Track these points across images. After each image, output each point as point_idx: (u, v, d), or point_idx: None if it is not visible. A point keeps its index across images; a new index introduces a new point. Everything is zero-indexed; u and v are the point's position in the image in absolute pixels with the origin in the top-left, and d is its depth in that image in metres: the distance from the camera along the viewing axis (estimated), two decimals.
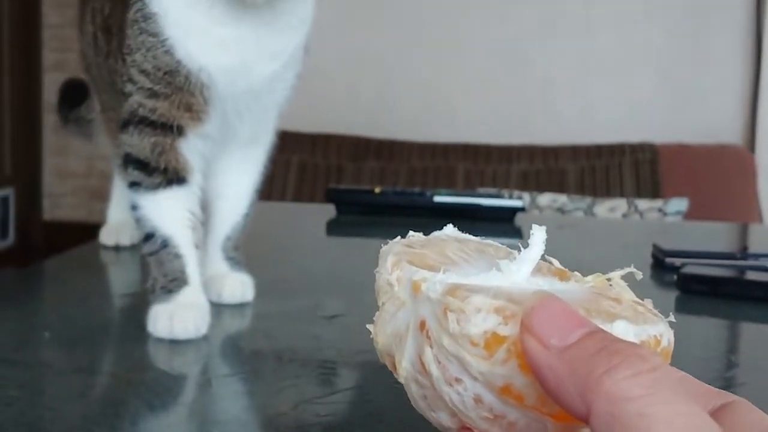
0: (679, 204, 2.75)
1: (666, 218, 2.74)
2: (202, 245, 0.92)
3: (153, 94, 0.88)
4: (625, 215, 2.76)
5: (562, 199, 2.86)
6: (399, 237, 0.45)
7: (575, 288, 0.42)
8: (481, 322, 0.36)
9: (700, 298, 1.02)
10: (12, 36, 4.33)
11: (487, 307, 0.36)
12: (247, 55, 0.87)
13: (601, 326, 0.36)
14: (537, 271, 0.43)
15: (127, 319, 0.90)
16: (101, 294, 1.01)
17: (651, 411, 0.30)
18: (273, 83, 0.92)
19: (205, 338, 0.82)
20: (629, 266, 0.43)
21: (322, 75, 3.11)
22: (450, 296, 0.37)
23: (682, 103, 3.17)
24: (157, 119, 0.88)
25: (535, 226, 0.42)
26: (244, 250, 0.99)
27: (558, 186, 3.02)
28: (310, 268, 1.14)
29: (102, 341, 0.82)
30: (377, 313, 0.42)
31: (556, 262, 0.46)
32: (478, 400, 0.36)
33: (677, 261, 1.14)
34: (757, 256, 1.20)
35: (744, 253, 1.22)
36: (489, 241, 0.47)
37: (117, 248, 1.19)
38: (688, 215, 2.75)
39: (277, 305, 0.94)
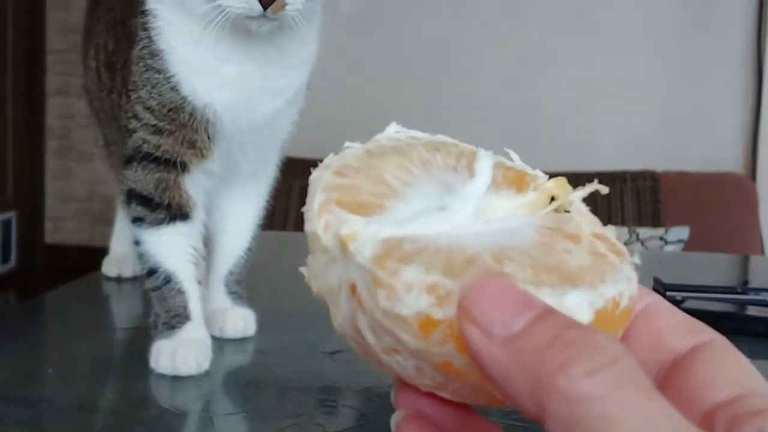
0: (680, 232, 2.76)
1: (667, 246, 2.74)
2: (204, 280, 0.92)
3: (157, 131, 0.88)
4: (626, 243, 2.76)
5: None
6: (332, 155, 0.40)
7: (526, 224, 0.37)
8: (413, 302, 0.32)
9: None
10: (16, 60, 4.35)
11: (418, 285, 0.32)
12: (252, 93, 0.88)
13: (551, 299, 0.32)
14: (492, 181, 0.39)
15: (130, 354, 0.90)
16: (104, 328, 1.01)
17: (614, 412, 0.27)
18: (276, 120, 0.92)
19: (206, 374, 0.82)
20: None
21: (323, 100, 3.12)
22: (379, 267, 0.33)
23: (683, 131, 3.18)
24: (161, 155, 0.88)
25: (481, 152, 0.39)
26: (246, 282, 0.99)
27: None
28: (312, 300, 1.14)
29: (104, 377, 0.82)
30: (309, 257, 0.37)
31: (516, 157, 0.42)
32: (418, 369, 0.33)
33: (678, 295, 1.15)
34: (758, 291, 1.20)
35: (744, 287, 1.22)
36: (439, 137, 0.42)
37: (119, 279, 1.19)
38: (690, 243, 2.75)
39: (279, 340, 0.94)
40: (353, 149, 0.40)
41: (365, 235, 0.34)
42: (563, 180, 0.40)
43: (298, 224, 3.21)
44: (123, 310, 1.14)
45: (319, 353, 0.88)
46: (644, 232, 2.79)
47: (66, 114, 4.50)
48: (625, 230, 2.80)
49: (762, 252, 2.84)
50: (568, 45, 3.27)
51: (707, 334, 0.35)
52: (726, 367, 0.33)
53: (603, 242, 0.37)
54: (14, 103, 4.36)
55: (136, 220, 0.90)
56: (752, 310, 1.07)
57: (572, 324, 0.30)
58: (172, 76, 0.87)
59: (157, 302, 0.87)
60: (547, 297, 0.32)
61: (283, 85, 0.90)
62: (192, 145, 0.88)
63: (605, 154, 3.17)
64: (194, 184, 0.90)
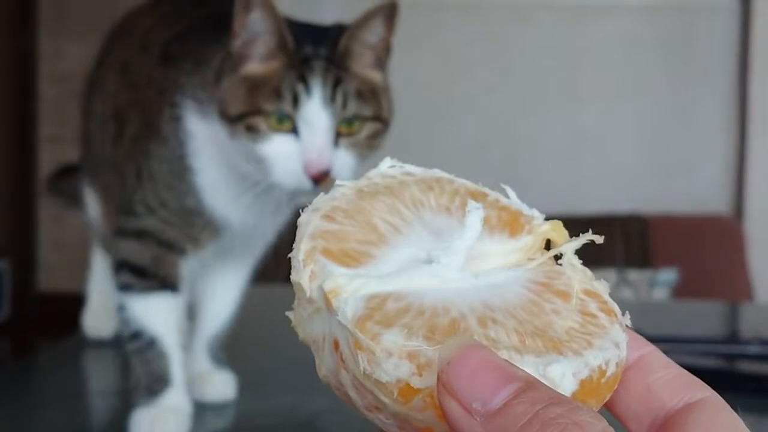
0: (668, 274, 2.76)
1: (656, 289, 2.75)
2: (187, 344, 0.93)
3: (167, 223, 0.91)
4: (615, 286, 2.77)
5: None
6: (322, 194, 0.39)
7: (515, 279, 0.37)
8: (393, 369, 0.32)
9: None
10: (7, 107, 4.37)
11: (399, 351, 0.32)
12: (267, 212, 0.92)
13: (535, 368, 0.31)
14: (485, 221, 0.37)
15: (110, 423, 0.91)
16: (84, 394, 1.02)
17: None
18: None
19: None
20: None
21: None
22: (359, 330, 0.33)
23: (671, 174, 3.19)
24: (164, 239, 0.91)
25: (471, 203, 0.37)
26: (229, 339, 1.00)
27: None
28: (294, 359, 1.14)
29: None
30: (295, 303, 0.37)
31: (512, 194, 0.41)
32: (402, 428, 0.33)
33: (661, 347, 1.15)
34: (743, 343, 1.20)
35: (729, 338, 1.22)
36: (434, 172, 0.41)
37: (100, 342, 1.18)
38: (679, 285, 2.76)
39: (260, 403, 0.94)
40: (344, 188, 0.39)
41: (349, 290, 0.34)
42: (559, 223, 0.39)
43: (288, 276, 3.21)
44: (103, 376, 1.14)
45: (301, 416, 0.89)
46: (633, 274, 2.80)
47: (58, 161, 4.51)
48: (613, 273, 2.81)
49: (751, 294, 2.85)
50: (555, 89, 3.30)
51: (701, 391, 0.35)
52: (715, 429, 0.33)
53: (594, 300, 0.36)
54: (7, 150, 4.38)
55: (125, 288, 0.90)
56: (738, 365, 1.07)
57: (554, 399, 0.29)
58: (197, 191, 0.90)
59: (140, 365, 0.88)
60: (531, 366, 0.31)
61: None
62: (195, 240, 0.92)
63: (593, 197, 3.18)
64: (187, 263, 0.92)
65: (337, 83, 0.86)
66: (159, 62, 0.97)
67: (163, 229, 0.90)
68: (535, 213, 0.41)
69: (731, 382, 1.02)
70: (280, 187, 0.85)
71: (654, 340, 1.14)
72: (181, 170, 0.90)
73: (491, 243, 0.38)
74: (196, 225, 0.91)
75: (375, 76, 0.91)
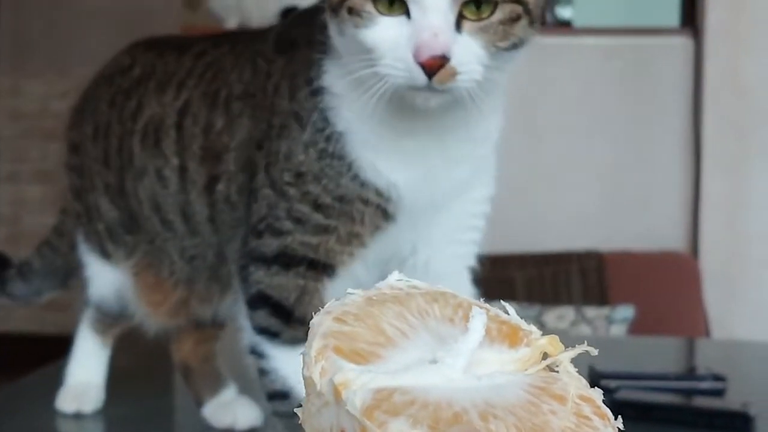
0: (625, 311, 2.79)
1: (613, 326, 2.77)
2: None
3: (321, 230, 0.82)
4: (573, 323, 2.79)
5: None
6: (334, 300, 0.41)
7: (515, 382, 0.39)
8: None
9: (634, 424, 1.03)
10: None
11: None
12: (432, 166, 0.83)
13: None
14: (486, 333, 0.40)
15: None
16: None
17: None
18: (458, 196, 0.87)
19: None
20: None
21: None
22: (367, 419, 0.34)
23: (627, 211, 3.23)
24: (313, 257, 0.81)
25: (474, 311, 0.40)
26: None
27: (507, 294, 3.05)
28: None
29: None
30: (304, 399, 0.39)
31: (512, 311, 0.43)
32: None
33: (612, 383, 1.16)
34: (698, 379, 1.22)
35: (685, 374, 1.23)
36: (439, 287, 0.43)
37: (78, 416, 1.08)
38: (636, 322, 2.78)
39: None
40: (355, 296, 0.42)
41: (358, 384, 0.36)
42: (556, 338, 0.41)
43: None
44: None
45: None
46: (590, 311, 2.82)
47: (16, 200, 4.47)
48: (571, 310, 2.83)
49: (707, 331, 2.88)
50: (513, 126, 3.33)
51: None
52: None
53: (588, 405, 0.38)
54: None
55: (265, 332, 0.82)
56: (693, 400, 1.08)
57: None
58: (353, 162, 0.81)
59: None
60: None
61: (463, 154, 0.85)
62: (350, 241, 0.82)
63: (550, 234, 3.21)
64: (335, 291, 0.83)
65: None
66: (276, 52, 0.90)
67: (314, 243, 0.80)
68: (533, 328, 0.42)
69: (673, 416, 1.03)
70: (391, 82, 0.73)
71: (603, 376, 1.16)
72: (329, 140, 0.80)
73: (492, 352, 0.40)
74: (357, 213, 0.81)
75: None
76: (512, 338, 0.41)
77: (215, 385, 1.06)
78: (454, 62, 0.72)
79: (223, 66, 0.95)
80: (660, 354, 1.63)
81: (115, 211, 1.02)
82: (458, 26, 0.73)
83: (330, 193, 0.81)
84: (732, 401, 1.12)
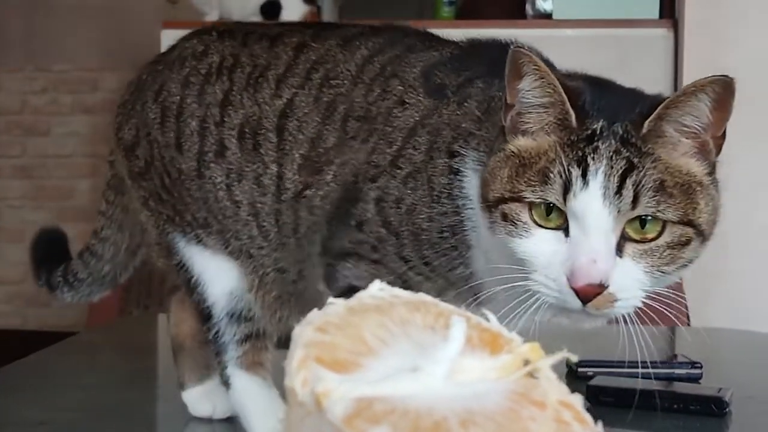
0: None
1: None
2: None
3: (424, 277, 0.81)
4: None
5: None
6: (315, 310, 0.41)
7: (495, 389, 0.39)
8: None
9: (611, 410, 1.04)
10: None
11: None
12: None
13: None
14: (468, 341, 0.40)
15: None
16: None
17: None
18: None
19: None
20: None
21: None
22: (348, 427, 0.35)
23: None
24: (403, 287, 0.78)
25: (454, 319, 0.41)
26: None
27: None
28: None
29: None
30: (286, 409, 0.40)
31: (493, 319, 0.43)
32: None
33: (589, 371, 1.17)
34: (670, 365, 1.23)
35: (657, 361, 1.25)
36: (420, 296, 0.44)
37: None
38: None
39: None
40: (336, 305, 0.42)
41: (339, 393, 0.36)
42: (537, 345, 0.42)
43: None
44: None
45: None
46: None
47: None
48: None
49: (687, 320, 2.89)
50: None
51: None
52: None
53: (568, 410, 0.39)
54: None
55: None
56: (658, 385, 1.09)
57: None
58: (472, 274, 0.77)
59: None
60: None
61: None
62: (443, 291, 0.80)
63: None
64: None
65: (628, 171, 0.69)
66: (421, 87, 0.85)
67: (417, 282, 0.78)
68: (514, 335, 0.43)
69: (648, 401, 1.04)
70: (541, 300, 0.70)
71: (580, 364, 1.16)
72: (453, 236, 0.76)
73: (473, 359, 0.40)
74: (461, 282, 0.78)
75: (693, 167, 0.74)
76: (493, 345, 0.42)
77: (202, 371, 1.05)
78: (613, 289, 0.69)
79: (337, 71, 0.90)
80: (640, 342, 1.63)
81: (195, 203, 0.96)
82: (620, 248, 0.70)
83: (443, 266, 0.79)
84: (708, 386, 1.13)
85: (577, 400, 0.40)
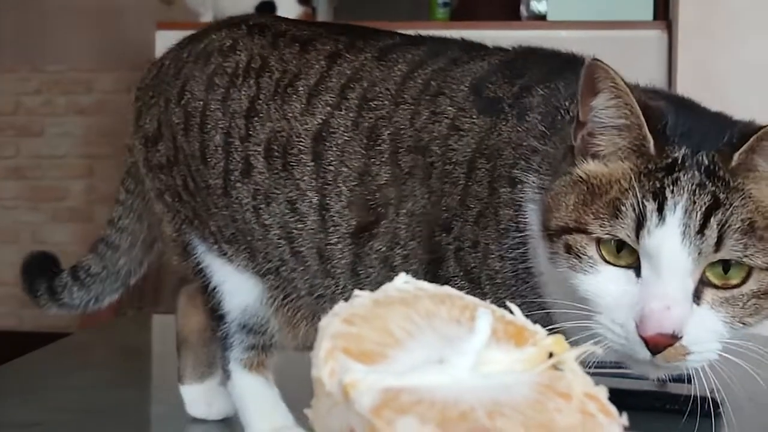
0: None
1: None
2: None
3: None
4: None
5: None
6: (342, 302, 0.42)
7: (521, 381, 0.39)
8: None
9: None
10: None
11: None
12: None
13: None
14: (493, 333, 0.41)
15: None
16: None
17: None
18: None
19: None
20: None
21: None
22: (376, 417, 0.35)
23: None
24: None
25: (480, 311, 0.41)
26: None
27: None
28: None
29: None
30: (314, 400, 0.40)
31: (517, 311, 0.43)
32: None
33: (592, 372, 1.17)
34: None
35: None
36: (446, 289, 0.44)
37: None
38: None
39: None
40: (362, 298, 0.42)
41: (366, 384, 0.37)
42: (561, 338, 0.42)
43: None
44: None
45: None
46: None
47: None
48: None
49: None
50: None
51: None
52: None
53: (593, 402, 0.40)
54: None
55: None
56: (652, 386, 1.09)
57: None
58: (545, 305, 0.69)
59: None
60: None
61: None
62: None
63: None
64: None
65: (712, 208, 0.61)
66: (474, 107, 0.77)
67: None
68: (538, 328, 0.43)
69: (655, 403, 1.04)
70: (606, 345, 0.64)
71: (588, 365, 1.16)
72: (521, 269, 0.70)
73: (498, 352, 0.41)
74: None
75: None
76: (518, 338, 0.42)
77: (204, 369, 1.04)
78: (686, 341, 0.62)
79: (376, 90, 0.83)
80: None
81: (221, 217, 0.91)
82: (698, 294, 0.63)
83: (522, 305, 0.72)
84: (700, 387, 1.13)
85: (602, 392, 0.40)
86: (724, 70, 3.07)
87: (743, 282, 0.62)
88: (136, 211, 1.06)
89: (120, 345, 1.53)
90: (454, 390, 0.37)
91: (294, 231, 0.86)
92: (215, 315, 0.95)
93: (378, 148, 0.81)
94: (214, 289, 0.94)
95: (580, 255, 0.63)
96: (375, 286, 0.80)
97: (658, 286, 0.61)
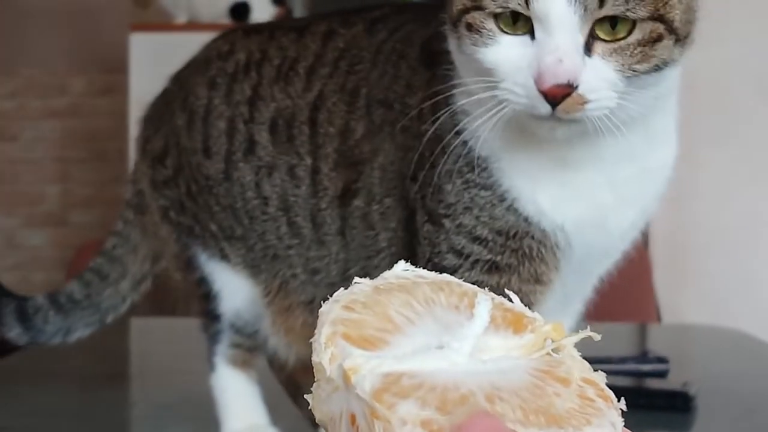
0: None
1: None
2: None
3: (494, 267, 0.75)
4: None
5: None
6: (342, 290, 0.42)
7: (520, 366, 0.40)
8: None
9: None
10: None
11: (413, 420, 0.35)
12: (604, 204, 0.74)
13: None
14: (492, 320, 0.41)
15: None
16: None
17: None
18: (628, 237, 0.79)
19: None
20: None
21: None
22: (377, 401, 0.36)
23: None
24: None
25: (479, 298, 0.42)
26: None
27: None
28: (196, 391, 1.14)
29: None
30: (314, 385, 0.40)
31: (516, 299, 0.44)
32: None
33: None
34: (637, 361, 1.24)
35: (624, 357, 1.26)
36: (444, 276, 0.44)
37: None
38: (588, 309, 2.81)
39: None
40: (362, 285, 0.43)
41: (367, 368, 0.37)
42: (560, 324, 0.43)
43: None
44: None
45: None
46: None
47: None
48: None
49: (658, 316, 2.92)
50: None
51: None
52: None
53: (592, 387, 0.40)
54: None
55: None
56: (628, 381, 1.10)
57: None
58: (505, 192, 0.73)
59: None
60: None
61: (637, 192, 0.76)
62: (538, 280, 0.75)
63: None
64: None
65: None
66: (421, 65, 0.81)
67: (497, 283, 0.73)
68: (537, 315, 0.44)
69: (630, 398, 1.05)
70: (510, 108, 0.66)
71: None
72: (473, 169, 0.72)
73: (497, 338, 0.41)
74: (533, 256, 0.73)
75: None
76: (516, 325, 0.43)
77: None
78: (582, 90, 0.65)
79: (360, 55, 0.87)
80: (612, 339, 1.65)
81: (221, 212, 0.93)
82: (588, 48, 0.65)
83: (486, 225, 0.74)
84: (674, 382, 1.14)
85: (600, 377, 0.41)
86: (700, 69, 3.08)
87: (629, 33, 0.66)
88: (131, 242, 1.05)
89: (97, 349, 1.52)
90: (454, 375, 0.38)
91: (290, 198, 0.88)
92: (211, 316, 0.98)
93: (357, 104, 0.84)
94: (217, 296, 0.97)
95: (480, 30, 0.67)
96: (360, 250, 0.83)
97: (550, 43, 0.64)
